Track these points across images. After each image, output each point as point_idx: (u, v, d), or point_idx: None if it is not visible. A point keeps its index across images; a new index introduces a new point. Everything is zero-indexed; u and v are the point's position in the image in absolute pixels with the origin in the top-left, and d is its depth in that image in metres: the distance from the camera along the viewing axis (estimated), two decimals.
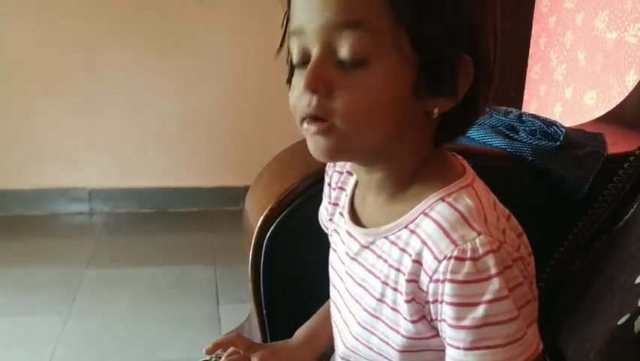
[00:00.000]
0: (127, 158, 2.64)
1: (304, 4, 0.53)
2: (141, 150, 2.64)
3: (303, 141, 0.57)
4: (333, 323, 0.69)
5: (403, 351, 0.57)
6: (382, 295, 0.58)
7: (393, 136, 0.55)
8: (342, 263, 0.64)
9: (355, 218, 0.64)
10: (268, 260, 0.85)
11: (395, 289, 0.56)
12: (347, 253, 0.63)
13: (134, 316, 1.89)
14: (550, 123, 0.88)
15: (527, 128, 0.88)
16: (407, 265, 0.54)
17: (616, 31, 1.48)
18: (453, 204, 0.54)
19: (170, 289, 2.06)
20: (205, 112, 2.62)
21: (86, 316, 1.89)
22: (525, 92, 1.94)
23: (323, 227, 0.74)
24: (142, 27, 2.48)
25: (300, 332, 0.78)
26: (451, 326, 0.52)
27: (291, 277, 0.87)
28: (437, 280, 0.52)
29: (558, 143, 0.84)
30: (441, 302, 0.52)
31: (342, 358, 0.66)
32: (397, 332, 0.57)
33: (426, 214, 0.54)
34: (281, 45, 0.58)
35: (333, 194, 0.70)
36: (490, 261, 0.50)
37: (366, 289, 0.60)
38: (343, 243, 0.64)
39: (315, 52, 0.52)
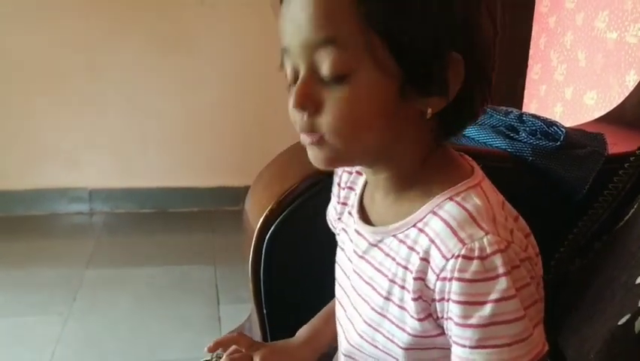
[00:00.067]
0: (127, 158, 2.64)
1: (286, 25, 0.54)
2: (141, 150, 2.64)
3: None
4: (337, 321, 0.70)
5: (408, 349, 0.57)
6: (389, 292, 0.58)
7: (387, 139, 0.55)
8: (350, 261, 0.65)
9: (364, 217, 0.64)
10: (268, 260, 0.85)
11: (402, 287, 0.57)
12: (355, 251, 0.64)
13: (135, 316, 1.89)
14: (551, 123, 0.88)
15: (528, 129, 0.88)
16: (415, 263, 0.55)
17: (616, 31, 1.48)
18: (461, 203, 0.54)
19: (170, 289, 2.06)
20: (205, 112, 2.62)
21: (86, 316, 1.89)
22: (525, 92, 1.94)
23: (331, 226, 0.75)
24: (142, 27, 2.49)
25: (302, 332, 0.79)
26: (457, 324, 0.52)
27: (291, 277, 0.87)
28: (444, 278, 0.52)
29: (558, 143, 0.84)
30: (448, 300, 0.52)
31: (346, 355, 0.66)
32: (403, 329, 0.57)
33: (434, 213, 0.55)
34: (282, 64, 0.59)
35: (342, 193, 0.71)
36: (498, 260, 0.50)
37: (374, 287, 0.60)
38: (351, 241, 0.65)
39: (301, 71, 0.54)
